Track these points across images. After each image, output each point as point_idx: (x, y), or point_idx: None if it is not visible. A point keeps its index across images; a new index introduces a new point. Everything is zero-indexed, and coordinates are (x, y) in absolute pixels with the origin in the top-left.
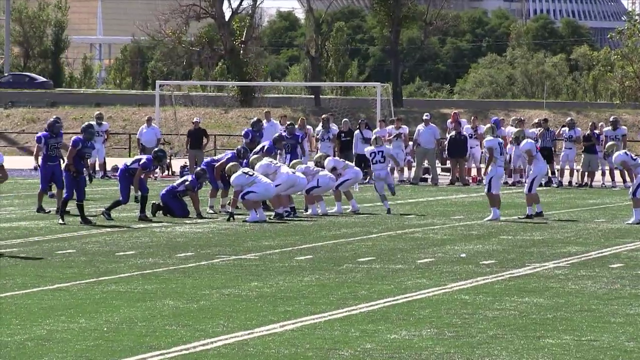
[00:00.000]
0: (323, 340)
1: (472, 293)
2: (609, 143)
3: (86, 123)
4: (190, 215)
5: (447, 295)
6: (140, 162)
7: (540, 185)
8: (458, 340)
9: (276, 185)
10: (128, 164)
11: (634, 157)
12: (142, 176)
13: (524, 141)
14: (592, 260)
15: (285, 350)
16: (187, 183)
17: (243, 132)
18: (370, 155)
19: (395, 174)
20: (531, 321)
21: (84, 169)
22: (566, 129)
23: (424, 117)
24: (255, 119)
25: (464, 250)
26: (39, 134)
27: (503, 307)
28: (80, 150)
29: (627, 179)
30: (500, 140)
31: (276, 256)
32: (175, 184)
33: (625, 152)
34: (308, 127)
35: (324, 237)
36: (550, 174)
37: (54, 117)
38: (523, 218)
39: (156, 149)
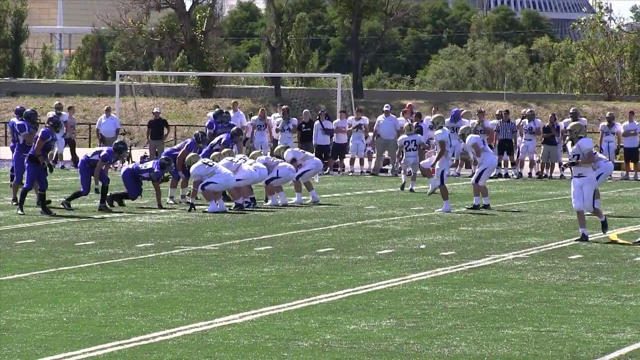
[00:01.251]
0: (283, 330)
1: (431, 284)
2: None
3: (52, 114)
4: (143, 200)
5: (406, 286)
6: (101, 154)
7: (500, 176)
8: (417, 330)
9: (237, 180)
10: (89, 155)
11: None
12: (103, 167)
13: (469, 137)
14: (552, 252)
15: (244, 340)
16: (152, 173)
17: (206, 123)
18: (405, 144)
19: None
20: (490, 312)
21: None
22: (526, 120)
23: (385, 108)
24: (217, 109)
25: (423, 242)
26: (18, 122)
27: (462, 298)
28: (48, 142)
29: None
30: (449, 132)
31: (236, 247)
32: (140, 167)
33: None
34: (268, 117)
35: (284, 227)
36: (510, 165)
37: (31, 108)
38: (470, 208)
39: (117, 142)
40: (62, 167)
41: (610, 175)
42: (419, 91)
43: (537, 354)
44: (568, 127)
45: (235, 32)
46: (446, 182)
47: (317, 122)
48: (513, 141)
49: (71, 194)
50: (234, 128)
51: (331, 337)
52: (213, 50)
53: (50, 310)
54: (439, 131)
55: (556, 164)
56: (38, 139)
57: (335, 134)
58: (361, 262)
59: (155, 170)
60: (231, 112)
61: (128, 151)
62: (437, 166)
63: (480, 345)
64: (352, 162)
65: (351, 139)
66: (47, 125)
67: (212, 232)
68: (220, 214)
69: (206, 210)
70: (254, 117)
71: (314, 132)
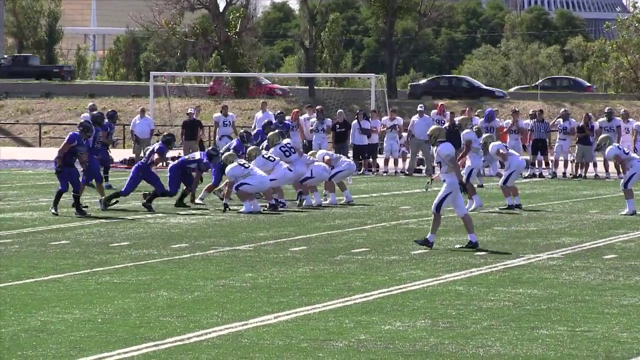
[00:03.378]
0: (317, 331)
1: (466, 284)
2: (601, 136)
3: (85, 121)
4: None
5: (441, 286)
6: (155, 148)
7: (534, 176)
8: (452, 331)
9: (272, 180)
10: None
11: (626, 151)
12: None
13: (491, 145)
14: (586, 251)
15: (279, 341)
16: (201, 163)
17: (254, 132)
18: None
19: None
20: (525, 312)
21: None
22: (560, 120)
23: (419, 108)
24: (266, 120)
25: (458, 241)
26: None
27: (497, 298)
28: (74, 147)
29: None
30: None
31: (270, 247)
32: (187, 158)
33: (618, 146)
34: (300, 117)
35: (319, 228)
36: (544, 165)
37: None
38: (504, 209)
39: (165, 133)
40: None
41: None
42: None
43: (572, 354)
44: (428, 132)
45: (269, 33)
46: (473, 180)
47: (354, 122)
48: (547, 141)
49: (150, 194)
50: (266, 120)
51: (366, 337)
52: (247, 50)
53: (85, 311)
54: (467, 130)
55: (590, 164)
56: (65, 142)
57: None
58: (396, 262)
59: (204, 160)
60: (260, 112)
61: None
62: (466, 163)
63: (515, 346)
64: (386, 162)
65: (385, 139)
66: (78, 129)
67: (247, 233)
68: (254, 215)
69: (241, 210)
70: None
71: (351, 131)
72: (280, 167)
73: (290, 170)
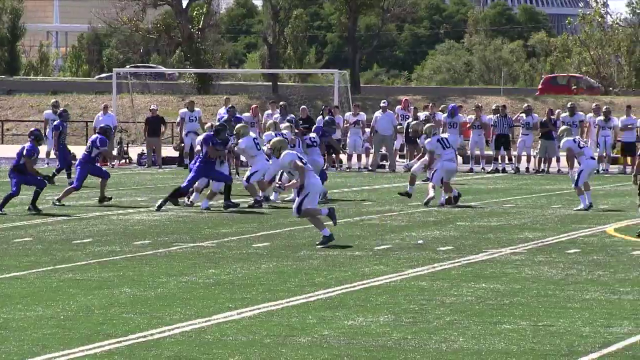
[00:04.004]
0: (280, 327)
1: (429, 279)
2: (562, 127)
3: (35, 129)
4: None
5: (404, 282)
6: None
7: (497, 171)
8: (415, 326)
9: (255, 172)
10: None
11: (581, 146)
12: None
13: (426, 140)
14: (549, 246)
15: (242, 337)
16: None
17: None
18: None
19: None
20: (488, 307)
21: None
22: (523, 115)
23: (382, 104)
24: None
25: (421, 237)
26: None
27: (460, 293)
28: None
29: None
30: (440, 137)
31: (233, 243)
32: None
33: (574, 140)
34: (264, 114)
35: (281, 224)
36: (507, 160)
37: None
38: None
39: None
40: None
41: (607, 170)
42: (416, 87)
43: (535, 349)
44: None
45: (232, 29)
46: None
47: (320, 118)
48: (510, 136)
49: (171, 193)
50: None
51: (329, 333)
52: (210, 47)
53: (47, 308)
54: (429, 139)
55: (553, 159)
56: (26, 158)
57: None
58: (359, 257)
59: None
60: (223, 108)
61: (125, 146)
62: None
63: (478, 340)
64: (349, 158)
65: (348, 135)
66: (30, 139)
67: (210, 229)
68: (217, 211)
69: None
70: (246, 114)
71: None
72: (262, 158)
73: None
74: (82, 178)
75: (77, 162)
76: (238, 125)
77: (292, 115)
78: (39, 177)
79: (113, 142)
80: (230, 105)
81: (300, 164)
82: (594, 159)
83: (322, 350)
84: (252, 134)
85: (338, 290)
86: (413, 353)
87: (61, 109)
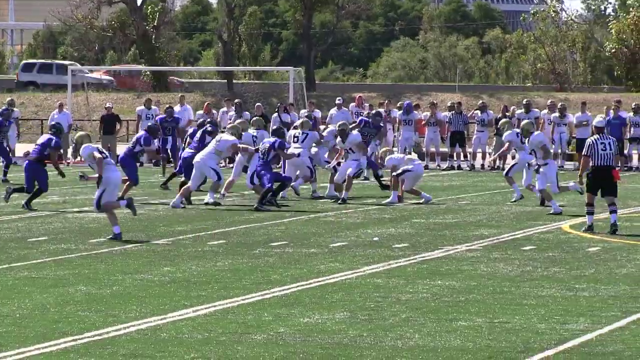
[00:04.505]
0: (236, 324)
1: (385, 276)
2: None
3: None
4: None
5: (360, 279)
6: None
7: (452, 168)
8: (371, 323)
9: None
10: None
11: (523, 141)
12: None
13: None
14: (504, 243)
15: (198, 335)
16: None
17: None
18: None
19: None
20: (444, 304)
21: None
22: (478, 112)
23: (337, 101)
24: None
25: (376, 234)
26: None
27: (415, 290)
28: None
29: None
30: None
31: (189, 241)
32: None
33: (517, 133)
34: (214, 111)
35: (237, 221)
36: (462, 157)
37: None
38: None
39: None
40: (15, 162)
41: (562, 166)
42: (372, 84)
43: (491, 345)
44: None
45: (187, 27)
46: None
47: (275, 115)
48: (465, 133)
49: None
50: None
51: (285, 330)
52: (165, 44)
53: (2, 306)
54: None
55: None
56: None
57: None
58: (314, 255)
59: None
60: (178, 106)
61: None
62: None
63: (433, 337)
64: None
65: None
66: (50, 132)
67: (165, 227)
68: (173, 209)
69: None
70: (200, 112)
71: (271, 125)
72: (256, 156)
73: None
74: (135, 171)
75: (121, 156)
76: (238, 121)
77: (247, 113)
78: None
79: (67, 140)
80: (168, 106)
81: (98, 156)
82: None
83: (278, 347)
84: (252, 131)
85: (294, 288)
86: (369, 350)
87: (3, 107)
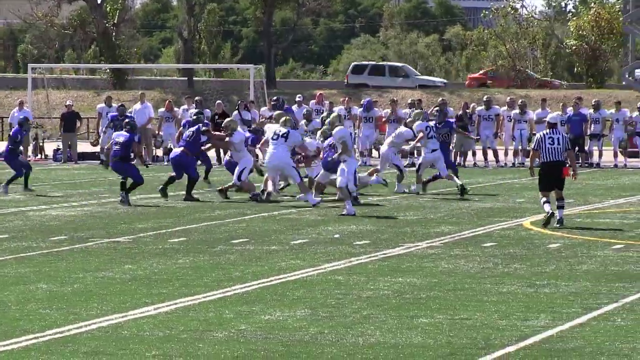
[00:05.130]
0: (197, 322)
1: (346, 273)
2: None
3: None
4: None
5: (321, 276)
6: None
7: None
8: (332, 320)
9: (244, 169)
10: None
11: (430, 136)
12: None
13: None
14: (465, 240)
15: (159, 332)
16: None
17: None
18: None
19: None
20: (405, 301)
21: None
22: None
23: (297, 99)
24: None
25: (337, 231)
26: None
27: (377, 287)
28: None
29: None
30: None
31: (150, 239)
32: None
33: (427, 125)
34: (175, 109)
35: (198, 219)
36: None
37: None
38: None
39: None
40: None
41: (523, 163)
42: (332, 81)
43: (451, 342)
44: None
45: (147, 24)
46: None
47: (235, 113)
48: None
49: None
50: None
51: (246, 327)
52: (125, 42)
53: None
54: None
55: (469, 153)
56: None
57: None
58: (275, 252)
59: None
60: (138, 104)
61: (41, 142)
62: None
63: (394, 334)
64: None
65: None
66: (126, 129)
67: (126, 225)
68: (134, 206)
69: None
70: (161, 110)
71: None
72: (247, 154)
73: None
74: (194, 165)
75: (173, 155)
76: (227, 120)
77: (208, 110)
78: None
79: (29, 137)
80: (120, 104)
81: None
82: (435, 151)
83: (239, 344)
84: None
85: (255, 285)
86: (330, 347)
87: None
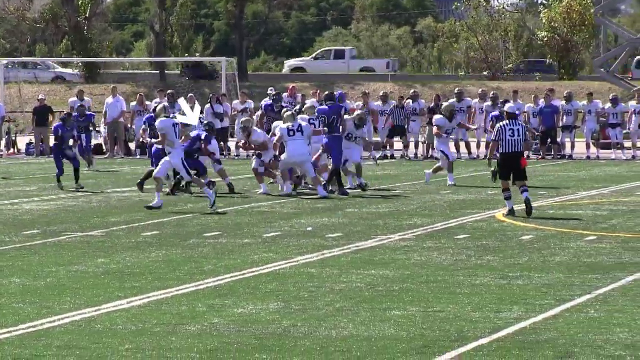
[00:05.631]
0: (170, 315)
1: (318, 266)
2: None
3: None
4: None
5: (293, 269)
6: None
7: (386, 157)
8: (305, 313)
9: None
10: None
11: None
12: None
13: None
14: (438, 232)
15: (132, 326)
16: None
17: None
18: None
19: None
20: (378, 293)
21: None
22: (410, 101)
23: (269, 92)
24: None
25: (310, 224)
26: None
27: (349, 279)
28: None
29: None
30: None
31: (122, 232)
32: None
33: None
34: (147, 103)
35: (170, 212)
36: (403, 148)
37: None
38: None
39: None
40: None
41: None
42: (304, 74)
43: (424, 334)
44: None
45: (119, 18)
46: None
47: (207, 106)
48: (405, 127)
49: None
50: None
51: (219, 320)
52: (97, 36)
53: None
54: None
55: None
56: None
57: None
58: (248, 245)
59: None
60: (110, 98)
61: (13, 136)
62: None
63: (367, 327)
64: (237, 146)
65: (236, 122)
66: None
67: (99, 218)
68: (106, 200)
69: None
70: (133, 103)
71: (204, 116)
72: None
73: None
74: (201, 163)
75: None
76: (244, 119)
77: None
78: (214, 158)
79: (1, 131)
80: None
81: None
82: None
83: (212, 338)
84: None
85: (227, 278)
86: (303, 340)
87: None
